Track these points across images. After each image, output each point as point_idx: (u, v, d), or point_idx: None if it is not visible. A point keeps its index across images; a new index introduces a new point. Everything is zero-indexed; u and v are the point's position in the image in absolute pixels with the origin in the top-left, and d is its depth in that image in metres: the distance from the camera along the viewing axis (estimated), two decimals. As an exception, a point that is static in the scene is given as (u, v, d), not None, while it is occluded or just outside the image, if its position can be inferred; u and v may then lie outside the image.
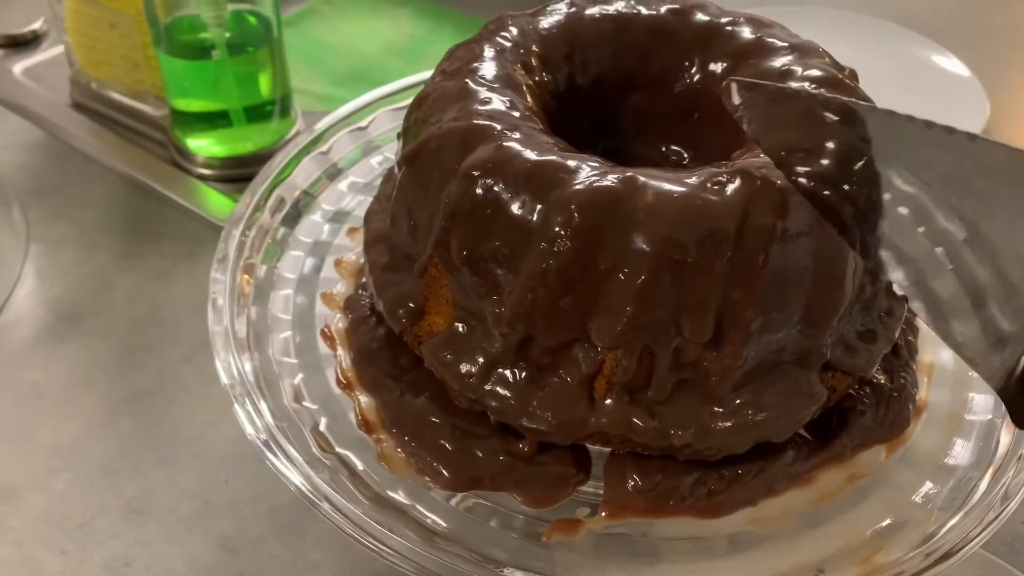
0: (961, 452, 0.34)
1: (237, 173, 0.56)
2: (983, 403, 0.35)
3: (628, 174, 0.28)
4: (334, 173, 0.44)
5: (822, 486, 0.32)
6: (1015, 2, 0.77)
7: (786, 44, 0.34)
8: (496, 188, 0.29)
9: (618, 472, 0.31)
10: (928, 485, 0.33)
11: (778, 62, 0.34)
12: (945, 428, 0.35)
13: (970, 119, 0.60)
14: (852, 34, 0.67)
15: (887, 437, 0.34)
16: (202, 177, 0.56)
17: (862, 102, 0.27)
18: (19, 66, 0.63)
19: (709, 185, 0.28)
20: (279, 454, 0.31)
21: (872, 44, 0.67)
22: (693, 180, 0.28)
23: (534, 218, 0.28)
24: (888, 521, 0.31)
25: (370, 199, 0.40)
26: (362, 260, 0.38)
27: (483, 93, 0.32)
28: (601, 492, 0.31)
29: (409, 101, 0.45)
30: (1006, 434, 0.34)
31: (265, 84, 0.55)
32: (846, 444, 0.33)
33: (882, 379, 0.34)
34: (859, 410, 0.33)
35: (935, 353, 0.37)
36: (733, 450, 0.30)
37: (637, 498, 0.31)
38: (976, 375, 0.36)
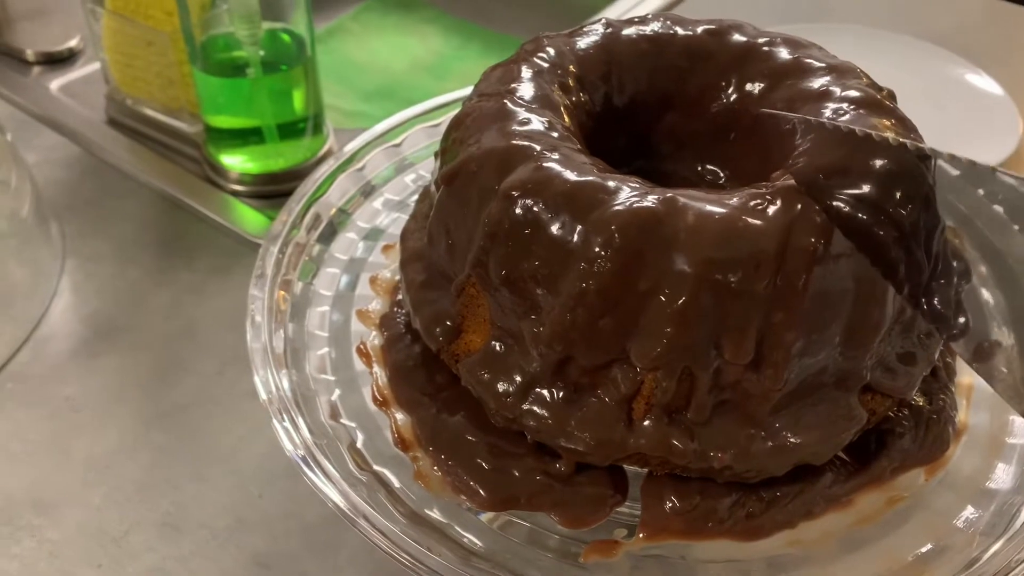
0: (1003, 476, 0.33)
1: (269, 189, 0.56)
2: (1024, 426, 0.35)
3: (668, 195, 0.28)
4: (368, 191, 0.44)
5: (861, 509, 0.32)
6: (1047, 19, 0.76)
7: (824, 65, 0.34)
8: (536, 209, 0.29)
9: (656, 493, 0.31)
10: (969, 509, 0.32)
11: (816, 83, 0.34)
12: (986, 451, 0.34)
13: (1003, 137, 0.60)
14: (885, 52, 0.67)
15: (926, 460, 0.33)
16: (235, 193, 0.56)
17: (877, 134, 0.27)
18: (56, 83, 0.64)
19: (751, 206, 0.28)
20: (317, 471, 0.31)
21: (905, 62, 0.67)
22: (734, 201, 0.28)
23: (574, 239, 0.28)
24: (929, 546, 0.31)
25: (404, 216, 0.40)
26: (397, 277, 0.38)
27: (521, 114, 0.32)
28: (638, 513, 0.31)
29: (442, 119, 0.46)
30: (1048, 458, 0.33)
31: (298, 101, 0.55)
32: (885, 467, 0.33)
33: (921, 401, 0.34)
34: (898, 432, 0.33)
35: (974, 375, 0.37)
36: (772, 472, 0.30)
37: (675, 519, 0.30)
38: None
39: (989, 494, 0.33)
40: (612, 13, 0.75)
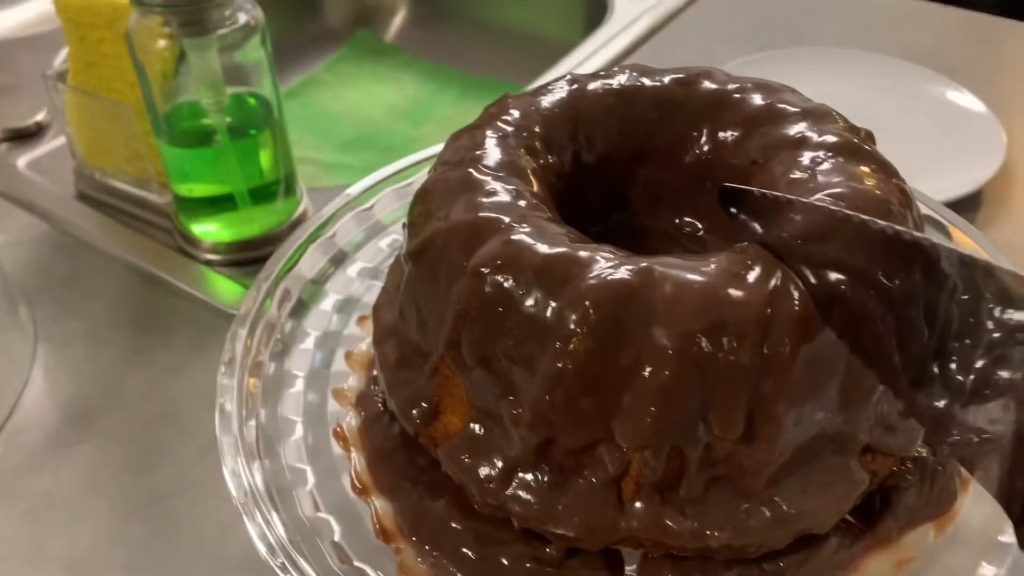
0: (1016, 528, 0.32)
1: (244, 257, 0.55)
2: (1034, 472, 0.33)
3: (644, 265, 0.27)
4: (341, 258, 0.42)
5: (869, 574, 0.30)
6: (1024, 29, 0.75)
7: (798, 109, 0.33)
8: (507, 285, 0.28)
9: (653, 574, 0.29)
10: (984, 567, 0.31)
11: (792, 129, 0.33)
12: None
13: (988, 155, 0.59)
14: (867, 74, 0.66)
15: (934, 514, 0.32)
16: (209, 263, 0.55)
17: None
18: (23, 159, 0.63)
19: (731, 273, 0.26)
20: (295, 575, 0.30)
21: (887, 83, 0.66)
22: (712, 268, 0.27)
23: (548, 316, 0.27)
24: (944, 610, 0.30)
25: (379, 284, 0.39)
26: (373, 351, 0.37)
27: (488, 183, 0.31)
28: (636, 595, 0.30)
29: (414, 178, 0.45)
30: (1062, 504, 0.32)
31: (268, 165, 0.54)
32: (891, 526, 0.31)
33: (924, 452, 0.33)
34: (902, 488, 0.32)
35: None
36: (773, 546, 0.29)
37: (674, 601, 0.29)
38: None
39: (1003, 548, 0.31)
40: (585, 51, 0.74)
